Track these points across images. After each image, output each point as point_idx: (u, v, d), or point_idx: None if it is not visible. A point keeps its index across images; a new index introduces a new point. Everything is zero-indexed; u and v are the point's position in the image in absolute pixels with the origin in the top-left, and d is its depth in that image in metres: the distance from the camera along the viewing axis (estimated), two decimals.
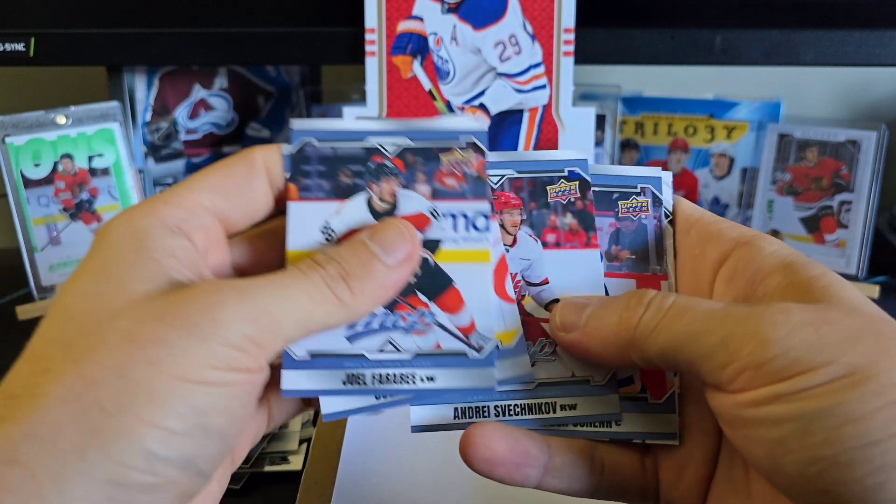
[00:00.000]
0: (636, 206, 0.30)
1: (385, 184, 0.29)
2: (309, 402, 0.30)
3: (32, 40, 0.62)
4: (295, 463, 0.47)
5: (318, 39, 0.62)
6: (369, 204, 0.28)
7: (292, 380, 0.27)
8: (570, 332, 0.27)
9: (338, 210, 0.28)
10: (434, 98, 0.61)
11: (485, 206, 0.28)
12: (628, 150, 0.77)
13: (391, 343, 0.28)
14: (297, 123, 0.29)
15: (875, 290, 0.63)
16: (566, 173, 0.30)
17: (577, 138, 0.61)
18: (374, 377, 0.27)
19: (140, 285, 0.24)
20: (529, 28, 0.60)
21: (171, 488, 0.22)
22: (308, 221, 0.28)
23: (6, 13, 0.63)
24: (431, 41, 0.61)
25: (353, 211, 0.28)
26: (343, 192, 0.28)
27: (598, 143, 0.71)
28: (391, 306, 0.28)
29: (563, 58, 0.60)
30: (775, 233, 0.70)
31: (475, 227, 0.28)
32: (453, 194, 0.29)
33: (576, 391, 0.29)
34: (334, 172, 0.28)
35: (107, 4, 0.64)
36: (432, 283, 0.28)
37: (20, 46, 0.62)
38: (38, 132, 0.62)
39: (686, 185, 0.75)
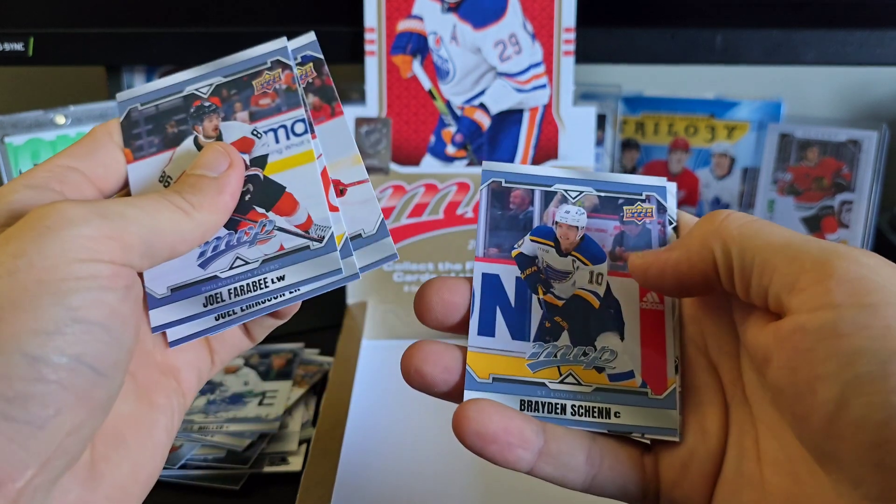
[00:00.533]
0: (641, 212, 0.31)
1: (207, 122, 0.31)
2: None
3: (31, 40, 0.62)
4: (294, 464, 0.47)
5: (318, 39, 0.62)
6: (196, 144, 0.31)
7: (159, 317, 0.29)
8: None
9: (171, 158, 0.31)
10: (434, 98, 0.61)
11: (299, 112, 0.31)
12: (629, 149, 0.77)
13: (239, 258, 0.29)
14: (121, 95, 0.32)
15: None
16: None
17: (577, 138, 0.61)
18: (230, 292, 0.29)
19: None
20: (530, 27, 0.60)
21: (67, 392, 0.22)
22: (147, 176, 0.30)
23: (5, 13, 0.63)
24: (431, 40, 0.60)
25: (183, 155, 0.31)
26: (172, 142, 0.31)
27: (599, 142, 0.71)
28: (233, 226, 0.30)
29: (564, 57, 0.60)
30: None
31: (295, 134, 0.31)
32: (269, 111, 0.31)
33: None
34: (162, 127, 0.31)
35: (106, 4, 0.64)
36: (267, 195, 0.30)
37: (19, 46, 0.62)
38: (37, 132, 0.62)
39: (687, 185, 0.75)
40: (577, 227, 0.31)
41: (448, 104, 0.61)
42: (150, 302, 0.29)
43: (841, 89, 0.84)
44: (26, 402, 0.21)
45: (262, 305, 0.29)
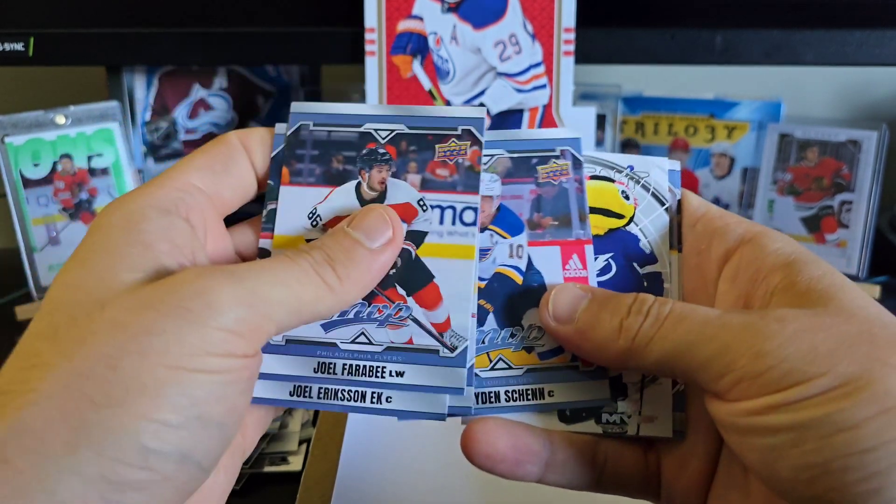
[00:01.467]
0: (556, 171, 0.30)
1: (376, 171, 0.29)
2: None
3: (32, 40, 0.62)
4: (295, 463, 0.47)
5: (318, 39, 0.62)
6: (358, 191, 0.28)
7: (267, 364, 0.27)
8: (563, 324, 0.27)
9: (327, 196, 0.28)
10: (434, 98, 0.61)
11: (475, 199, 0.28)
12: (629, 149, 0.77)
13: (364, 334, 0.27)
14: (297, 106, 0.29)
15: (876, 291, 0.63)
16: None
17: None
18: (344, 367, 0.27)
19: (127, 274, 0.23)
20: (529, 27, 0.60)
21: (168, 484, 0.22)
22: (297, 206, 0.28)
23: (5, 13, 0.63)
24: (431, 41, 0.60)
25: (341, 198, 0.28)
26: (334, 179, 0.29)
27: (599, 142, 0.71)
28: (369, 298, 0.27)
29: (564, 57, 0.60)
30: None
31: (462, 222, 0.28)
32: (444, 185, 0.28)
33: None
34: (328, 157, 0.29)
35: (106, 4, 0.64)
36: (412, 277, 0.28)
37: (19, 46, 0.62)
38: (38, 132, 0.62)
39: (687, 185, 0.75)
40: (492, 197, 0.29)
41: (448, 104, 0.61)
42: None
43: (840, 89, 0.84)
44: (126, 489, 0.21)
45: (363, 404, 0.27)
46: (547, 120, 0.61)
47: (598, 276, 0.29)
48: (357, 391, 0.27)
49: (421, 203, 0.28)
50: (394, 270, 0.27)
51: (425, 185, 0.28)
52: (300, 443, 0.49)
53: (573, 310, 0.27)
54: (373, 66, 0.61)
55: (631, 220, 0.30)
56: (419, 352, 0.27)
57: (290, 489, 0.43)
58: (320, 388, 0.27)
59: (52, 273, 0.62)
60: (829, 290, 0.24)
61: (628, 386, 0.29)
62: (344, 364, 0.27)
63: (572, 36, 0.60)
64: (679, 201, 0.30)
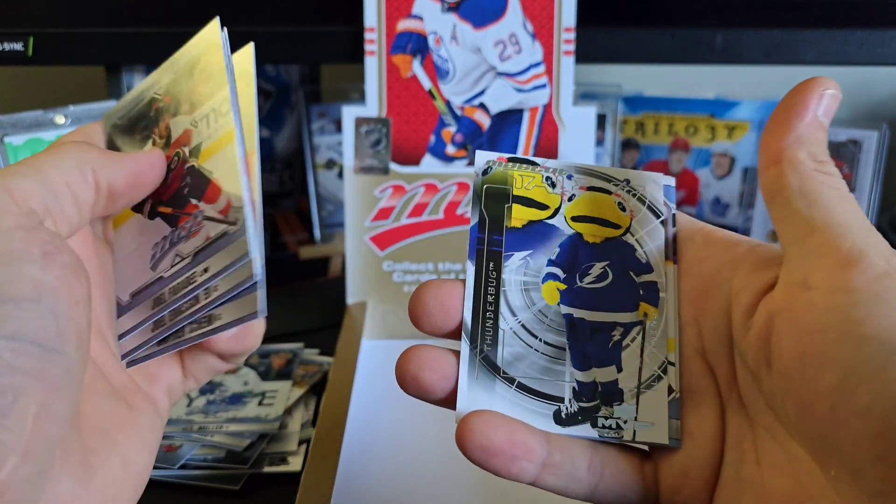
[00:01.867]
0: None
1: (161, 122, 0.31)
2: None
3: (31, 40, 0.62)
4: (294, 464, 0.47)
5: (318, 38, 0.62)
6: (153, 145, 0.31)
7: (123, 324, 0.29)
8: None
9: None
10: (434, 97, 0.61)
11: (225, 92, 0.30)
12: (629, 149, 0.77)
13: (177, 255, 0.29)
14: (106, 115, 0.33)
15: None
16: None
17: (577, 138, 0.61)
18: (170, 292, 0.28)
19: None
20: (530, 27, 0.60)
21: (18, 374, 0.21)
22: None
23: (4, 12, 0.63)
24: (431, 40, 0.60)
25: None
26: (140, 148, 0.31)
27: (599, 142, 0.71)
28: (174, 222, 0.29)
29: (564, 57, 0.60)
30: (776, 233, 0.70)
31: (221, 114, 0.29)
32: (204, 98, 0.30)
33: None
34: (134, 138, 0.31)
35: (106, 4, 0.64)
36: (199, 185, 0.29)
37: (19, 46, 0.62)
38: (37, 132, 0.62)
39: (687, 185, 0.75)
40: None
41: (448, 104, 0.61)
42: (117, 310, 0.29)
43: (841, 89, 0.84)
44: None
45: (189, 312, 0.28)
46: (547, 120, 0.61)
47: (595, 283, 0.30)
48: (187, 309, 0.28)
49: (193, 122, 0.30)
50: (187, 189, 0.29)
51: (194, 108, 0.31)
52: (300, 443, 0.49)
53: None
54: (372, 66, 0.61)
55: (627, 230, 0.30)
56: (215, 241, 0.28)
57: (290, 489, 0.43)
58: (158, 321, 0.29)
59: None
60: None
61: (624, 392, 0.29)
62: (169, 289, 0.28)
63: (572, 35, 0.60)
64: (674, 215, 0.31)
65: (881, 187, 0.66)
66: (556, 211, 0.30)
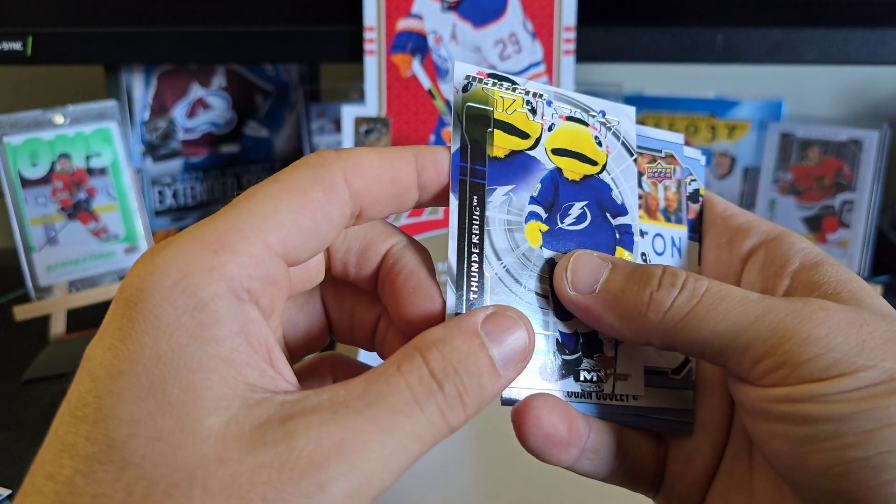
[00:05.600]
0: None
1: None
2: None
3: (30, 39, 0.62)
4: None
5: (317, 38, 0.62)
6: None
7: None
8: (581, 292, 0.26)
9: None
10: (433, 97, 0.61)
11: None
12: None
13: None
14: None
15: (877, 290, 0.63)
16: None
17: None
18: None
19: (212, 417, 0.19)
20: (530, 26, 0.60)
21: None
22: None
23: (3, 12, 0.63)
24: (431, 39, 0.60)
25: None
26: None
27: None
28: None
29: (564, 56, 0.60)
30: None
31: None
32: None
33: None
34: None
35: (104, 3, 0.64)
36: None
37: (17, 45, 0.62)
38: (36, 132, 0.61)
39: None
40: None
41: (448, 103, 0.61)
42: None
43: (842, 89, 0.84)
44: None
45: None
46: None
47: (575, 224, 0.28)
48: None
49: None
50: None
51: None
52: None
53: (594, 279, 0.26)
54: (372, 65, 0.60)
55: (604, 167, 0.29)
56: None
57: None
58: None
59: (49, 273, 0.61)
60: (859, 294, 0.24)
61: (603, 342, 0.28)
62: None
63: (573, 35, 0.60)
64: (697, 191, 0.30)
65: (882, 187, 0.65)
66: (538, 141, 0.28)
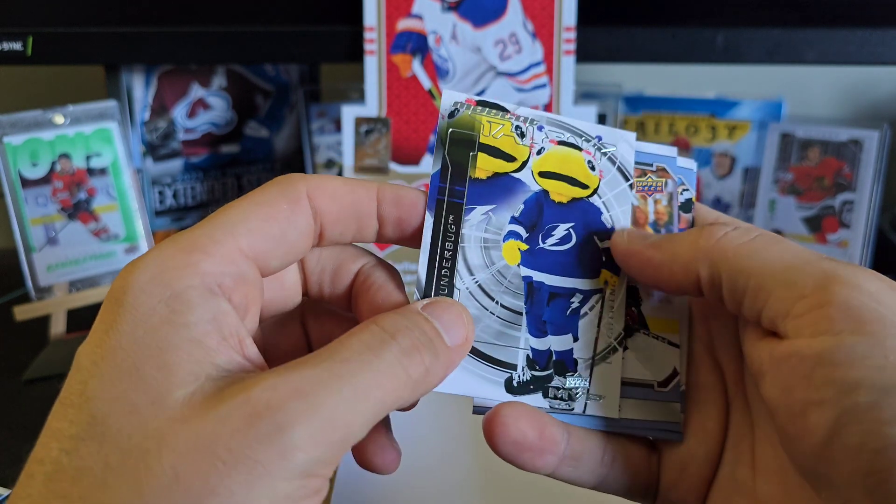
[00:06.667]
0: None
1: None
2: None
3: (30, 39, 0.62)
4: None
5: (318, 38, 0.62)
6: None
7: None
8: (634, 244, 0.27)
9: None
10: (434, 97, 0.61)
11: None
12: None
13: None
14: None
15: None
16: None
17: None
18: None
19: (181, 389, 0.20)
20: (530, 26, 0.60)
21: None
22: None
23: (3, 12, 0.63)
24: (431, 40, 0.60)
25: None
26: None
27: None
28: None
29: (564, 56, 0.60)
30: (777, 232, 0.70)
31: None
32: None
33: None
34: None
35: (105, 3, 0.64)
36: None
37: (18, 45, 0.62)
38: (36, 132, 0.61)
39: None
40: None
41: None
42: None
43: (842, 89, 0.84)
44: None
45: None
46: None
47: (558, 245, 0.28)
48: None
49: None
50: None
51: None
52: None
53: (645, 237, 0.27)
54: (372, 66, 0.60)
55: (595, 191, 0.29)
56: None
57: None
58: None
59: (50, 273, 0.61)
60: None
61: (578, 362, 0.28)
62: None
63: (573, 35, 0.60)
64: (690, 201, 0.30)
65: (882, 187, 0.65)
66: (524, 164, 0.28)
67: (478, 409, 0.27)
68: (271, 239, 0.23)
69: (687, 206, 0.30)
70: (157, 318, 0.21)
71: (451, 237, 0.28)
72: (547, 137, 0.29)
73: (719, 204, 0.74)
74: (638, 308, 0.29)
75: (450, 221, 0.28)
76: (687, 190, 0.30)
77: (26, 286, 0.61)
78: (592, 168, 0.29)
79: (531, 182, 0.28)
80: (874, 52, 0.59)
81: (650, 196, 0.30)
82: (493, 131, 0.28)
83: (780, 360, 0.23)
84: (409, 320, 0.23)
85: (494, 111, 0.28)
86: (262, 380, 0.20)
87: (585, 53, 0.60)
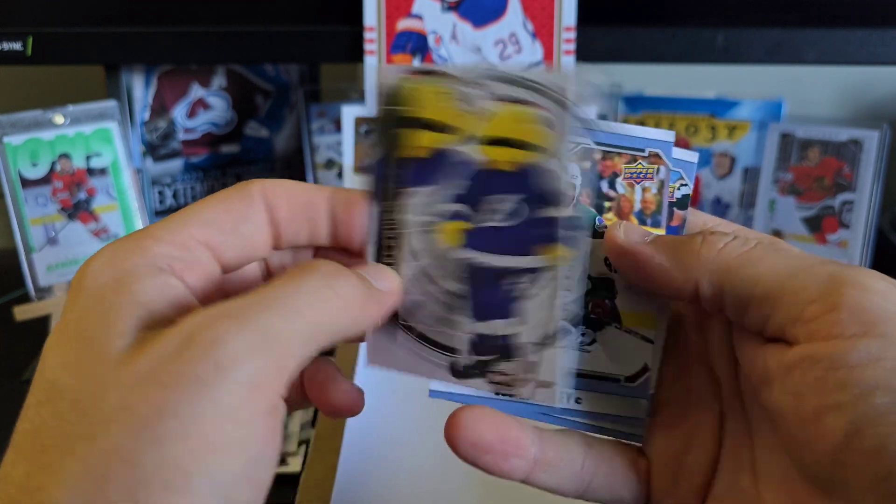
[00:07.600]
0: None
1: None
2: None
3: (30, 39, 0.62)
4: (293, 465, 0.47)
5: (318, 38, 0.62)
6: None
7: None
8: (632, 241, 0.26)
9: None
10: None
11: None
12: None
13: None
14: None
15: None
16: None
17: None
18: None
19: (121, 339, 0.21)
20: (530, 26, 0.60)
21: None
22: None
23: (3, 12, 0.63)
24: (431, 40, 0.60)
25: None
26: None
27: None
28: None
29: (564, 56, 0.60)
30: (777, 233, 0.70)
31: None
32: None
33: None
34: None
35: (105, 3, 0.64)
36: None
37: (18, 45, 0.62)
38: (36, 132, 0.61)
39: None
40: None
41: None
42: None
43: (842, 89, 0.84)
44: None
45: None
46: None
47: (505, 221, 0.26)
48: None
49: None
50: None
51: None
52: (299, 443, 0.49)
53: (644, 234, 0.26)
54: (372, 66, 0.60)
55: (551, 152, 0.25)
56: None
57: (290, 490, 0.43)
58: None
59: (50, 273, 0.61)
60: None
61: (527, 346, 0.26)
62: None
63: (573, 35, 0.60)
64: (688, 199, 0.29)
65: (882, 187, 0.65)
66: (470, 135, 0.26)
67: (432, 393, 0.28)
68: (225, 231, 0.25)
69: (683, 203, 0.28)
70: (106, 290, 0.22)
71: (394, 225, 0.27)
72: (496, 98, 0.25)
73: (719, 204, 0.74)
74: (612, 301, 0.28)
75: (392, 209, 0.27)
76: (686, 185, 0.28)
77: (26, 286, 0.61)
78: (550, 126, 0.25)
79: (476, 154, 0.26)
80: (874, 52, 0.59)
81: (638, 184, 0.28)
82: (435, 103, 0.26)
83: (791, 365, 0.22)
84: (333, 265, 0.24)
85: (435, 78, 0.26)
86: (195, 314, 0.21)
87: (585, 53, 0.60)
